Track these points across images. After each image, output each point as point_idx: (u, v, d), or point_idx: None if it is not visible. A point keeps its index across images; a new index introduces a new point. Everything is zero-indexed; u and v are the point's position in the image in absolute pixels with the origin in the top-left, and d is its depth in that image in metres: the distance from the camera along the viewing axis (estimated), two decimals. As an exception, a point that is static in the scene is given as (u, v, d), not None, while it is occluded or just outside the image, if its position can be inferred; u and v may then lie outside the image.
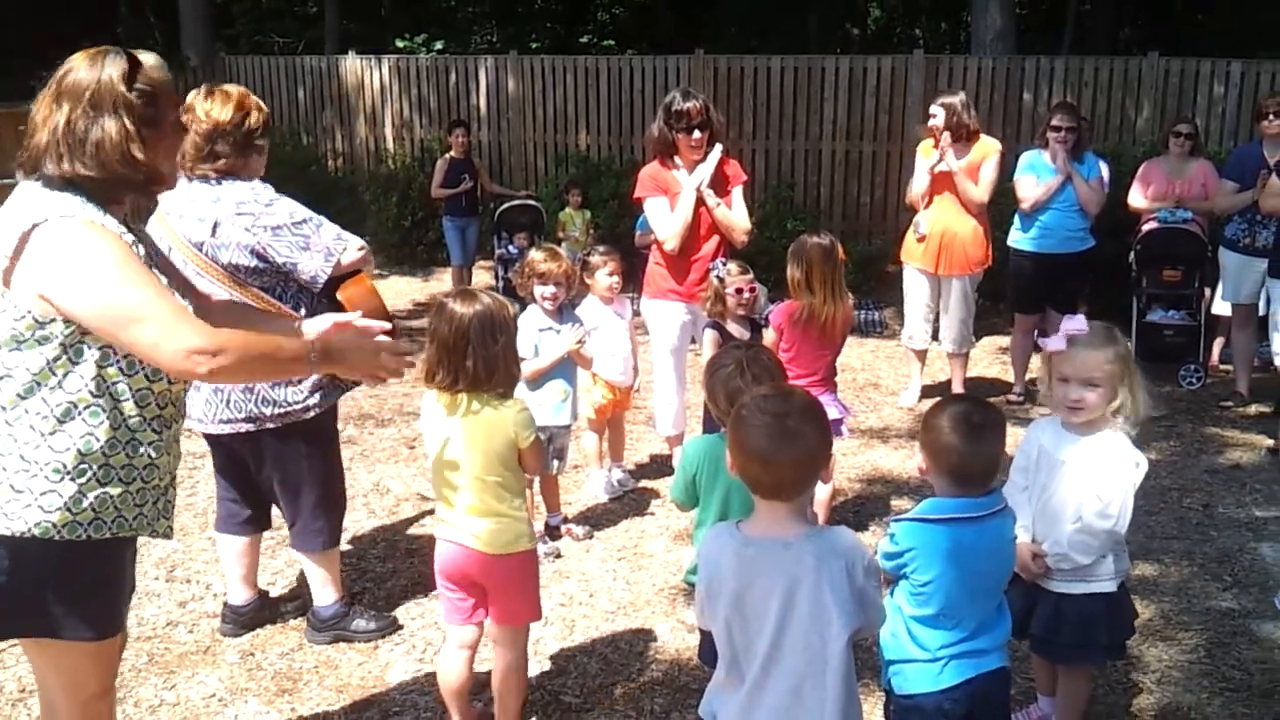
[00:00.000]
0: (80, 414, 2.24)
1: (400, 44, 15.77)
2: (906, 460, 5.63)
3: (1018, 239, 6.72)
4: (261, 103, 3.59)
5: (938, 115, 6.32)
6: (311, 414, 3.56)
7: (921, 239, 6.49)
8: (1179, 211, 6.93)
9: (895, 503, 5.17)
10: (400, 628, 3.97)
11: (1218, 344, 7.41)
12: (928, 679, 2.58)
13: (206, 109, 3.46)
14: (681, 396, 5.35)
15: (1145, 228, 7.06)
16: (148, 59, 2.33)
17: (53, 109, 2.24)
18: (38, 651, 2.43)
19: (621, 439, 5.50)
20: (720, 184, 5.14)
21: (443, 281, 10.39)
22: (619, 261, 5.05)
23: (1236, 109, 9.47)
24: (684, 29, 17.24)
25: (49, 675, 2.48)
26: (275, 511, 3.87)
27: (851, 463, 5.70)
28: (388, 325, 2.87)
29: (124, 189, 2.28)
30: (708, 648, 2.81)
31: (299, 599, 4.07)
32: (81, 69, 2.25)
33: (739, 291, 4.58)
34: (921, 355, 6.84)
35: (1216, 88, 9.57)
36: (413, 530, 4.89)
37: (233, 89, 3.55)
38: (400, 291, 10.20)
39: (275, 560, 4.43)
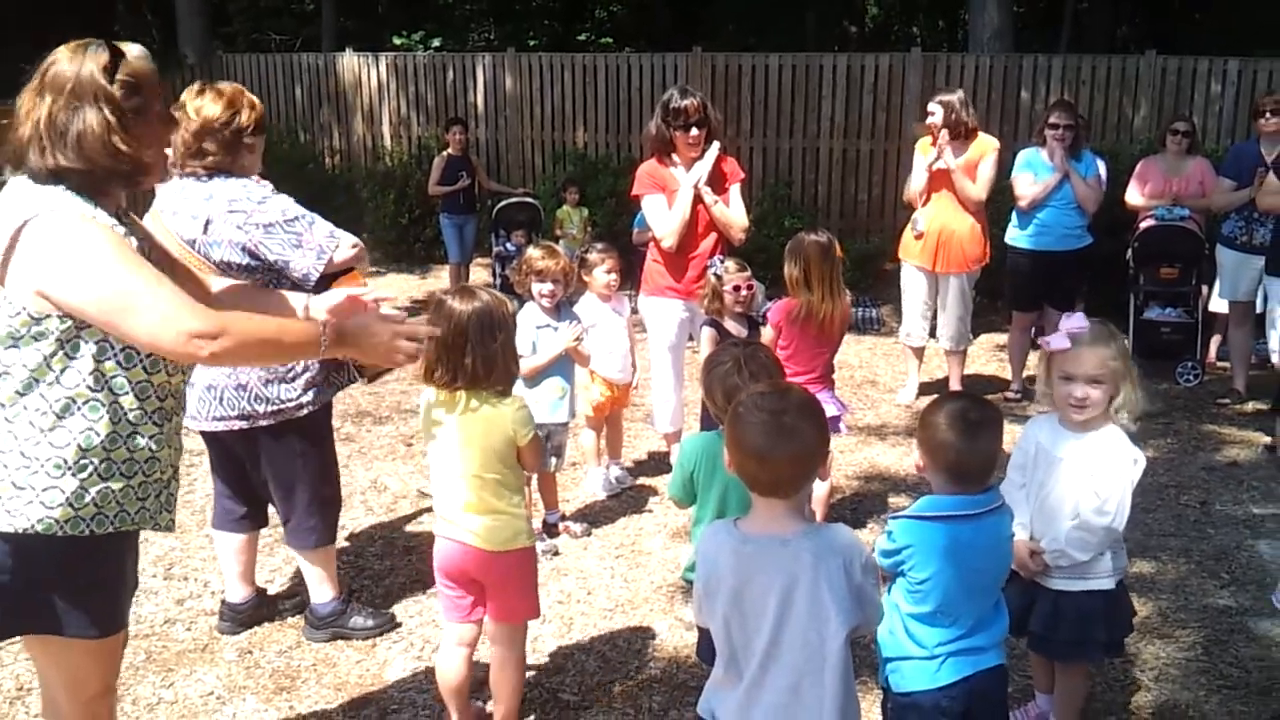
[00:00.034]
0: (79, 409, 2.24)
1: (398, 41, 15.75)
2: (904, 457, 5.63)
3: (1015, 237, 6.73)
4: (256, 101, 3.58)
5: (936, 113, 6.32)
6: (305, 412, 3.55)
7: (919, 236, 6.49)
8: (1176, 209, 6.94)
9: (893, 500, 5.17)
10: (398, 625, 3.97)
11: (1215, 341, 7.43)
12: (925, 676, 2.58)
13: (197, 106, 3.45)
14: (679, 394, 5.35)
15: (1142, 225, 7.07)
16: (131, 50, 2.32)
17: (36, 102, 2.24)
18: (40, 649, 2.43)
19: (619, 436, 5.51)
20: (718, 181, 5.14)
21: (440, 279, 10.39)
22: (617, 259, 5.05)
23: (1234, 107, 9.48)
24: (681, 26, 17.23)
25: (51, 673, 2.48)
26: (272, 509, 3.87)
27: (849, 460, 5.71)
28: (394, 295, 2.85)
29: (110, 180, 2.27)
30: (706, 645, 2.81)
31: (297, 596, 4.06)
32: (63, 61, 2.25)
33: (736, 289, 4.58)
34: (919, 353, 6.84)
35: (1214, 86, 9.58)
36: (410, 528, 4.89)
37: (226, 86, 3.55)
38: (398, 289, 10.19)
39: (273, 558, 4.43)
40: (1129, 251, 7.20)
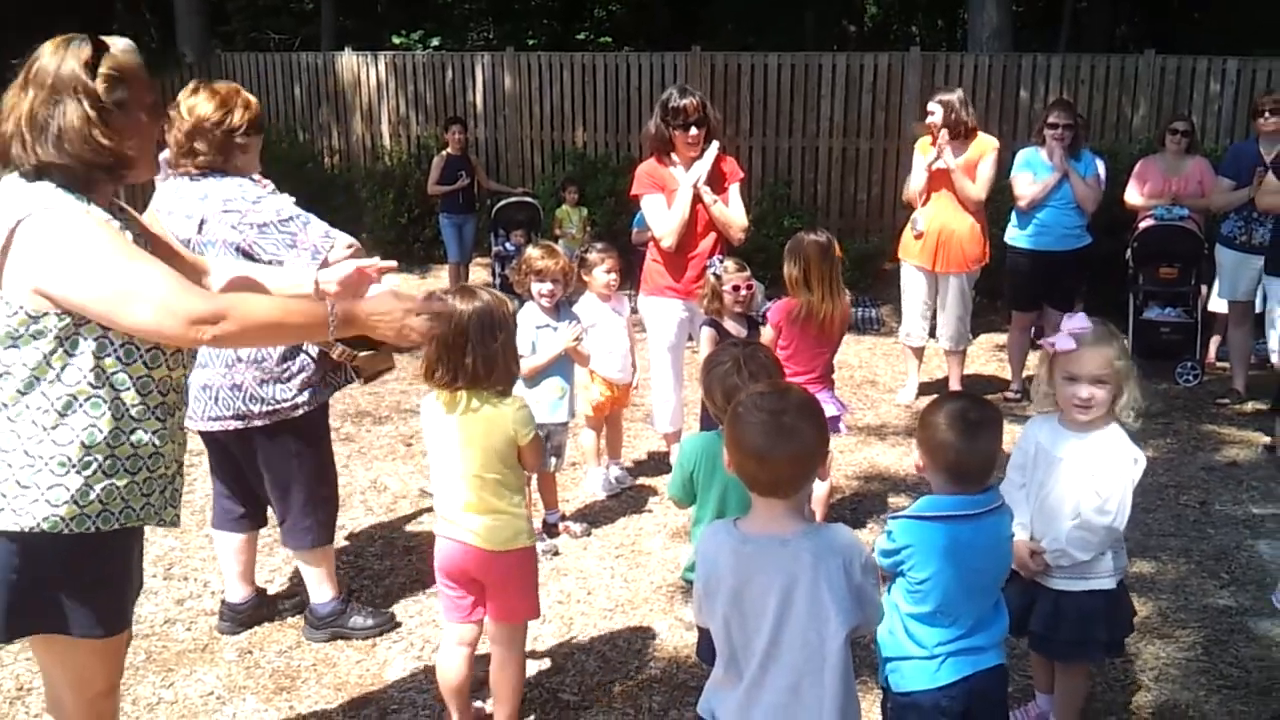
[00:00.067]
0: (81, 406, 2.24)
1: (397, 40, 15.74)
2: (904, 457, 5.63)
3: (1015, 236, 6.73)
4: (252, 100, 3.57)
5: (935, 112, 6.32)
6: (300, 412, 3.55)
7: (919, 236, 6.49)
8: (1175, 209, 6.94)
9: (892, 500, 5.17)
10: (398, 625, 3.97)
11: (1214, 341, 7.43)
12: (925, 676, 2.58)
13: (190, 105, 3.46)
14: (679, 394, 5.35)
15: (1142, 225, 7.07)
16: (117, 43, 2.31)
17: (19, 97, 2.24)
18: (45, 649, 2.43)
19: (619, 436, 5.51)
20: (717, 181, 5.14)
21: (440, 279, 10.39)
22: (616, 259, 5.04)
23: (1233, 106, 9.49)
24: (680, 26, 17.23)
25: (56, 672, 2.48)
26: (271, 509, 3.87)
27: (849, 460, 5.71)
28: (394, 263, 2.85)
29: (93, 175, 2.26)
30: (706, 645, 2.81)
31: (297, 596, 4.06)
32: (46, 56, 2.24)
33: (736, 289, 4.58)
34: (919, 352, 6.84)
35: (1213, 85, 9.59)
36: (410, 528, 4.89)
37: (222, 86, 3.55)
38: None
39: (273, 558, 4.43)
40: (1128, 251, 7.20)
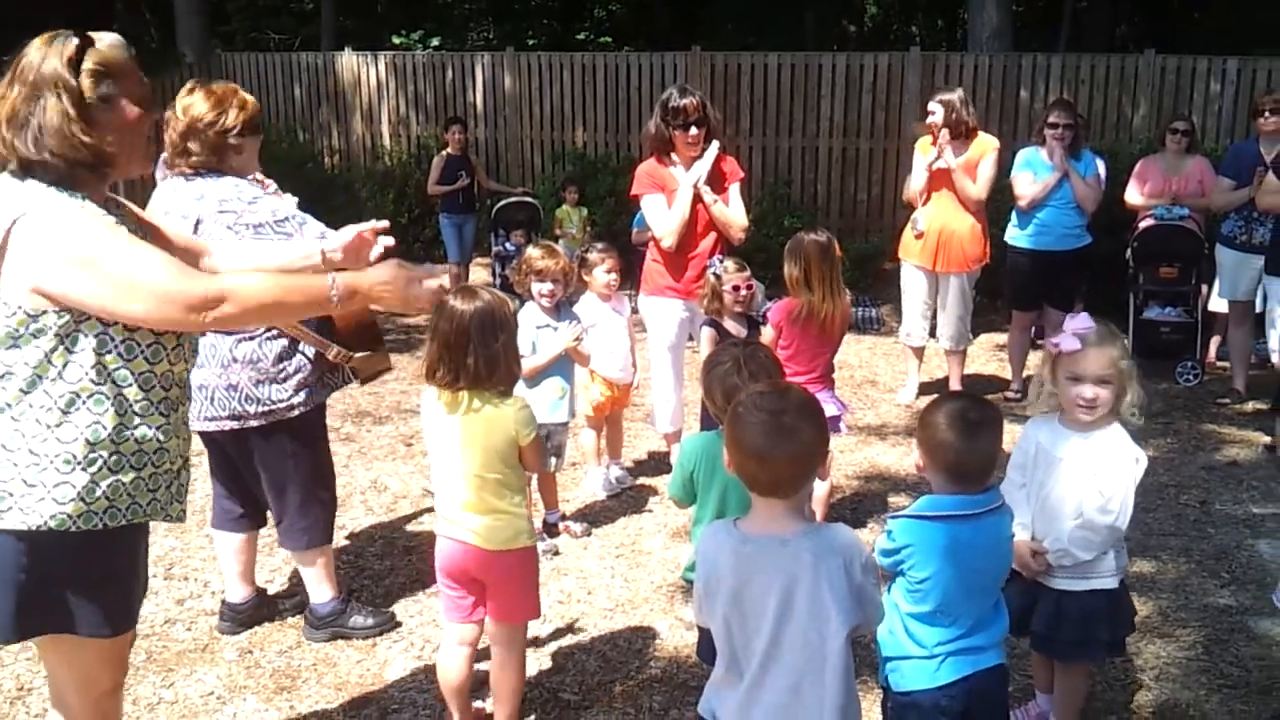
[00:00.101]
0: (84, 403, 2.24)
1: (397, 40, 15.75)
2: (904, 457, 5.63)
3: (1015, 236, 6.73)
4: (249, 100, 3.56)
5: (936, 112, 6.32)
6: (296, 413, 3.55)
7: (919, 236, 6.49)
8: (1175, 208, 6.94)
9: (893, 500, 5.17)
10: (399, 625, 3.97)
11: (1214, 341, 7.43)
12: (925, 676, 2.58)
13: (185, 105, 3.46)
14: (679, 393, 5.35)
15: (1142, 225, 7.07)
16: (104, 38, 2.30)
17: (5, 93, 2.24)
18: (52, 648, 2.43)
19: (620, 436, 5.51)
20: (717, 181, 5.14)
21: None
22: (617, 258, 5.04)
23: (1233, 106, 9.49)
24: (680, 26, 17.23)
25: (62, 672, 2.48)
26: (271, 509, 3.88)
27: (849, 460, 5.71)
28: (386, 223, 2.87)
29: (77, 172, 2.24)
30: (706, 645, 2.81)
31: (297, 596, 4.06)
32: (32, 52, 2.24)
33: (736, 289, 4.58)
34: (919, 352, 6.84)
35: (1213, 85, 9.59)
36: (411, 528, 4.89)
37: (219, 86, 3.54)
38: (397, 289, 10.18)
39: (273, 558, 4.43)
40: (1128, 251, 7.20)
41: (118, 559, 2.37)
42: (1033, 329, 7.03)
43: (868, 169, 10.61)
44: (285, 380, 3.51)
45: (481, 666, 3.37)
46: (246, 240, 3.31)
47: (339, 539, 4.55)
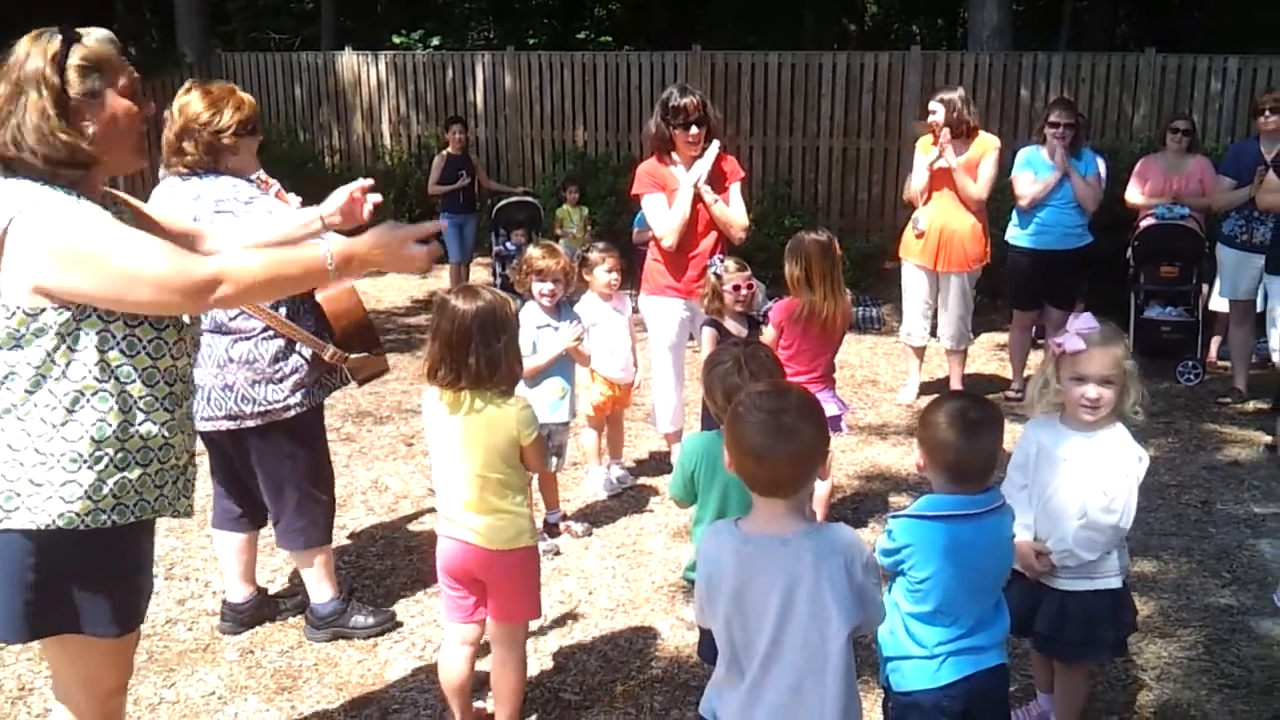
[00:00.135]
0: (89, 401, 2.25)
1: (397, 40, 15.75)
2: (905, 457, 5.63)
3: (1016, 235, 6.73)
4: (246, 100, 3.56)
5: (937, 111, 6.31)
6: (293, 413, 3.55)
7: (920, 235, 6.49)
8: (1176, 208, 6.94)
9: (894, 499, 5.17)
10: (400, 624, 3.97)
11: (1215, 340, 7.42)
12: (926, 676, 2.58)
13: (181, 104, 3.47)
14: (680, 393, 5.35)
15: (1143, 224, 7.07)
16: (92, 34, 2.30)
17: None
18: (58, 649, 2.43)
19: (620, 436, 5.50)
20: (718, 180, 5.14)
21: (440, 279, 10.37)
22: (617, 258, 5.04)
23: (1233, 105, 9.48)
24: (679, 25, 17.22)
25: (68, 672, 2.48)
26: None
27: (850, 459, 5.70)
28: (371, 181, 2.90)
29: (59, 171, 2.24)
30: (707, 645, 2.81)
31: (298, 596, 4.06)
32: (19, 50, 2.25)
33: (736, 288, 4.58)
34: (920, 352, 6.84)
35: (1213, 84, 9.58)
36: (412, 527, 4.89)
37: (217, 86, 3.54)
38: (398, 289, 10.19)
39: (274, 558, 4.43)
40: (1129, 250, 7.20)
41: (125, 557, 2.38)
42: (1033, 328, 7.03)
43: (868, 168, 10.61)
44: (282, 381, 3.51)
45: (483, 666, 3.37)
46: (242, 217, 3.30)
47: (340, 539, 4.55)
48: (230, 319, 3.46)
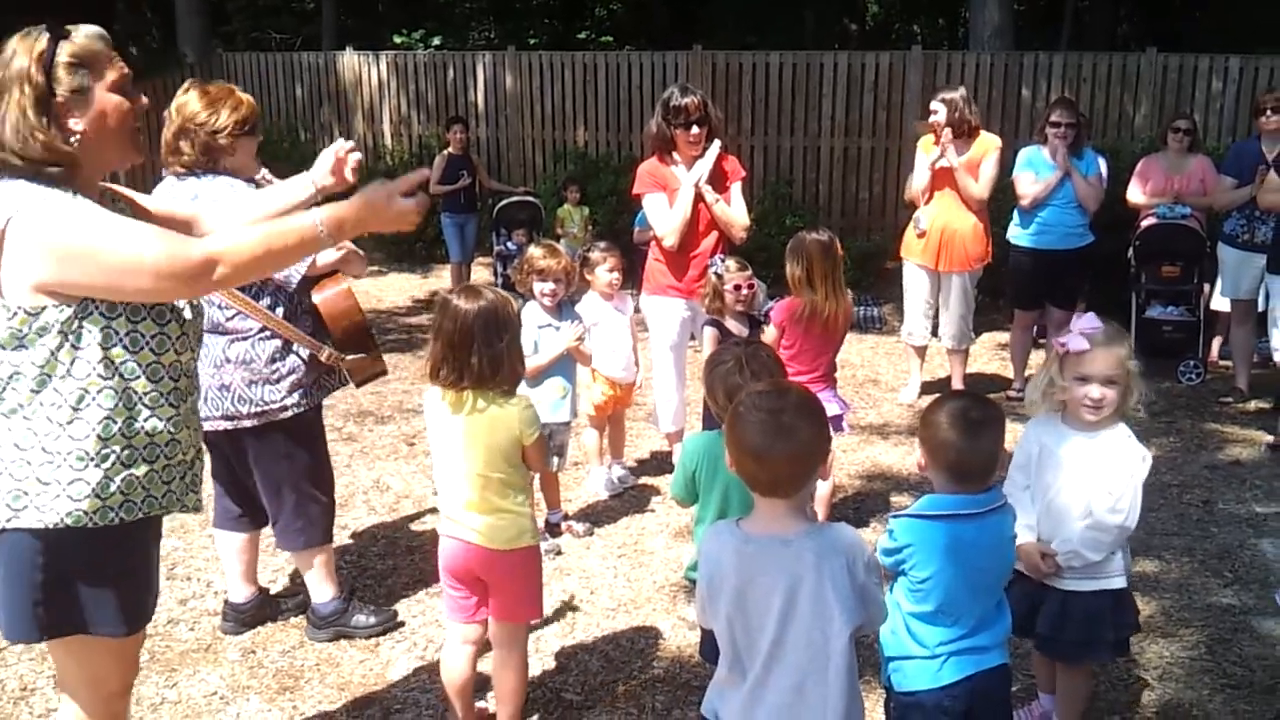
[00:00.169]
0: (94, 398, 2.25)
1: (398, 40, 15.75)
2: (906, 456, 5.63)
3: (1017, 235, 6.72)
4: (245, 100, 3.55)
5: (939, 111, 6.31)
6: (289, 414, 3.55)
7: (921, 235, 6.49)
8: (1177, 207, 6.94)
9: (895, 499, 5.17)
10: (401, 624, 3.97)
11: (1217, 340, 7.42)
12: (927, 675, 2.58)
13: (180, 104, 3.47)
14: (681, 393, 5.35)
15: (1144, 224, 7.07)
16: (82, 30, 2.29)
17: None
18: (64, 649, 2.43)
19: (622, 436, 5.50)
20: (719, 180, 5.14)
21: (441, 278, 10.39)
22: (619, 258, 5.04)
23: (1235, 105, 9.47)
24: (679, 24, 17.22)
25: (73, 671, 2.48)
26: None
27: (851, 459, 5.70)
28: (352, 143, 2.89)
29: (42, 170, 2.23)
30: (709, 645, 2.81)
31: (299, 596, 4.05)
32: (7, 48, 2.25)
33: (738, 288, 4.58)
34: (921, 351, 6.84)
35: (1215, 83, 9.57)
36: (413, 527, 4.89)
37: (215, 86, 3.54)
38: (399, 289, 10.19)
39: (275, 558, 4.42)
40: (1130, 250, 7.19)
41: (133, 554, 2.38)
42: (1035, 328, 7.03)
43: (869, 168, 10.60)
44: (279, 381, 3.51)
45: (484, 666, 3.37)
46: (235, 193, 3.29)
47: (342, 538, 4.55)
48: (227, 319, 3.46)
